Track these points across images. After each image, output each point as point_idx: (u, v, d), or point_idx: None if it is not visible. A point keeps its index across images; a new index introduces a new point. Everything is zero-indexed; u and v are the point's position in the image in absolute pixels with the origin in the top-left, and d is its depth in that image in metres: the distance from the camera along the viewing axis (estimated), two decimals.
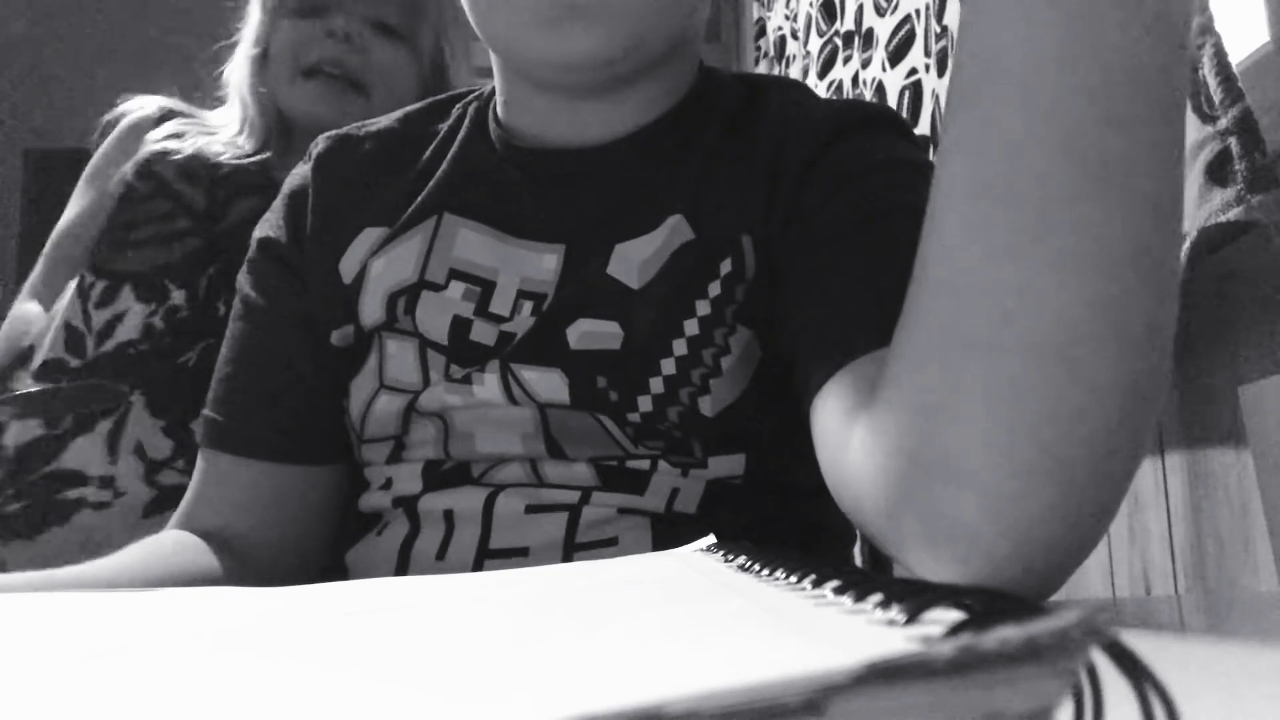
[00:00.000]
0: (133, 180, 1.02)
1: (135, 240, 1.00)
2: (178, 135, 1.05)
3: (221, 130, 1.06)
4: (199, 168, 1.02)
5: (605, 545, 0.53)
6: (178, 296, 0.97)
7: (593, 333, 0.54)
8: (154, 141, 1.05)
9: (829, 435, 0.43)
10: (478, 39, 0.58)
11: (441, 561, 0.54)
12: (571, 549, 0.53)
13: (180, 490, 0.86)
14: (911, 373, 0.34)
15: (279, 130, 1.06)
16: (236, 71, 1.06)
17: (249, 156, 1.04)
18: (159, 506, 0.89)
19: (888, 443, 0.35)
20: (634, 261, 0.55)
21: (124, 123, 1.09)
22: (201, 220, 1.00)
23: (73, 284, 1.01)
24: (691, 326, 0.54)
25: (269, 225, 0.65)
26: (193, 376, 0.94)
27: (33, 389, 0.94)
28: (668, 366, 0.53)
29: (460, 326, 0.56)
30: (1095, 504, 0.32)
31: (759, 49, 2.23)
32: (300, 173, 0.66)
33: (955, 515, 0.32)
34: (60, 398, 0.92)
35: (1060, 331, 0.30)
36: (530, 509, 0.53)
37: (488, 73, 0.65)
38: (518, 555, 0.53)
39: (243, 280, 0.65)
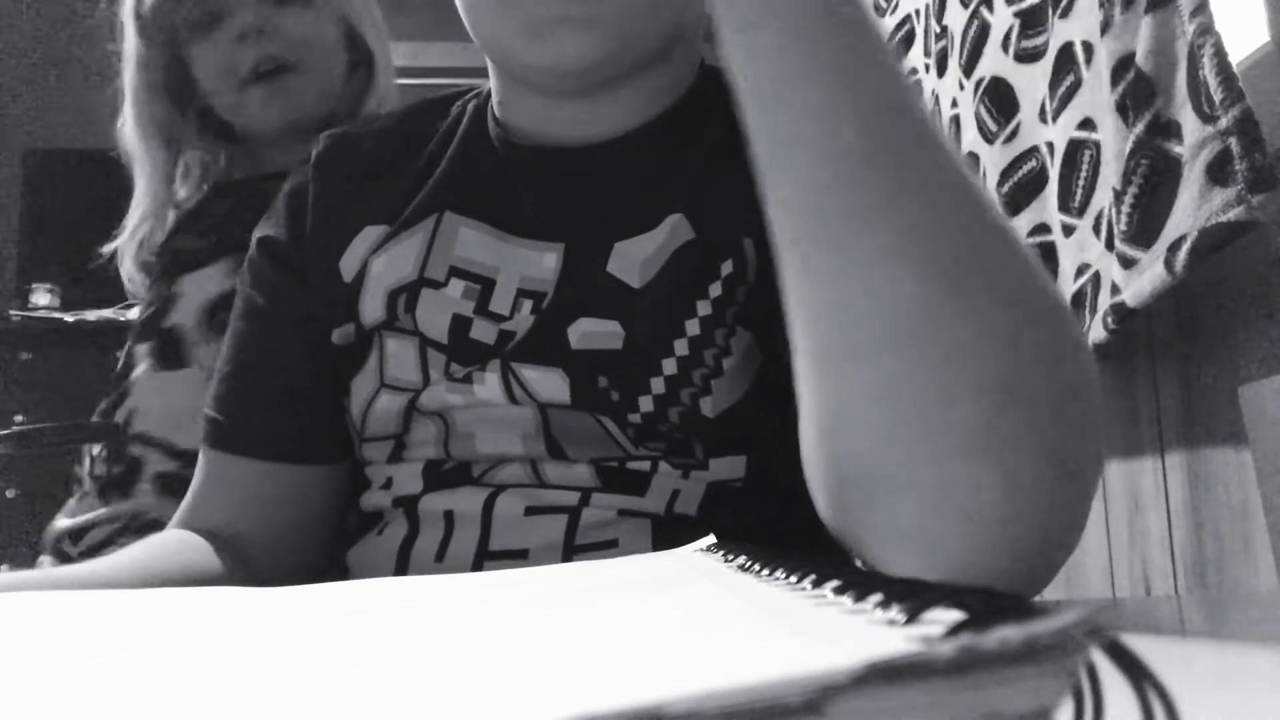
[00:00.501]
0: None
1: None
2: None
3: (139, 212, 1.08)
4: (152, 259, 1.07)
5: (605, 547, 0.53)
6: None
7: (594, 332, 0.54)
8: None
9: (804, 457, 0.44)
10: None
11: (440, 563, 0.54)
12: (571, 551, 0.53)
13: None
14: (810, 396, 0.37)
15: (227, 148, 1.07)
16: (130, 132, 1.06)
17: (175, 205, 1.08)
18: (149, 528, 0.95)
19: (821, 474, 0.37)
20: (635, 260, 0.55)
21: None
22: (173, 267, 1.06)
23: None
24: (693, 326, 0.54)
25: (269, 224, 0.65)
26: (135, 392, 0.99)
27: (26, 428, 1.03)
28: (669, 366, 0.53)
29: (460, 325, 0.56)
30: (1031, 472, 0.32)
31: None
32: (301, 173, 0.66)
33: (899, 520, 0.33)
34: (46, 435, 0.99)
35: (907, 320, 0.33)
36: (530, 510, 0.53)
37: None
38: (517, 557, 0.53)
39: (242, 280, 0.65)
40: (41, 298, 2.50)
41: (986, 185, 0.39)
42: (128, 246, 1.08)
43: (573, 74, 0.54)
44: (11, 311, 2.43)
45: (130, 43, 1.04)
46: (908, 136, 0.35)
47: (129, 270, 1.08)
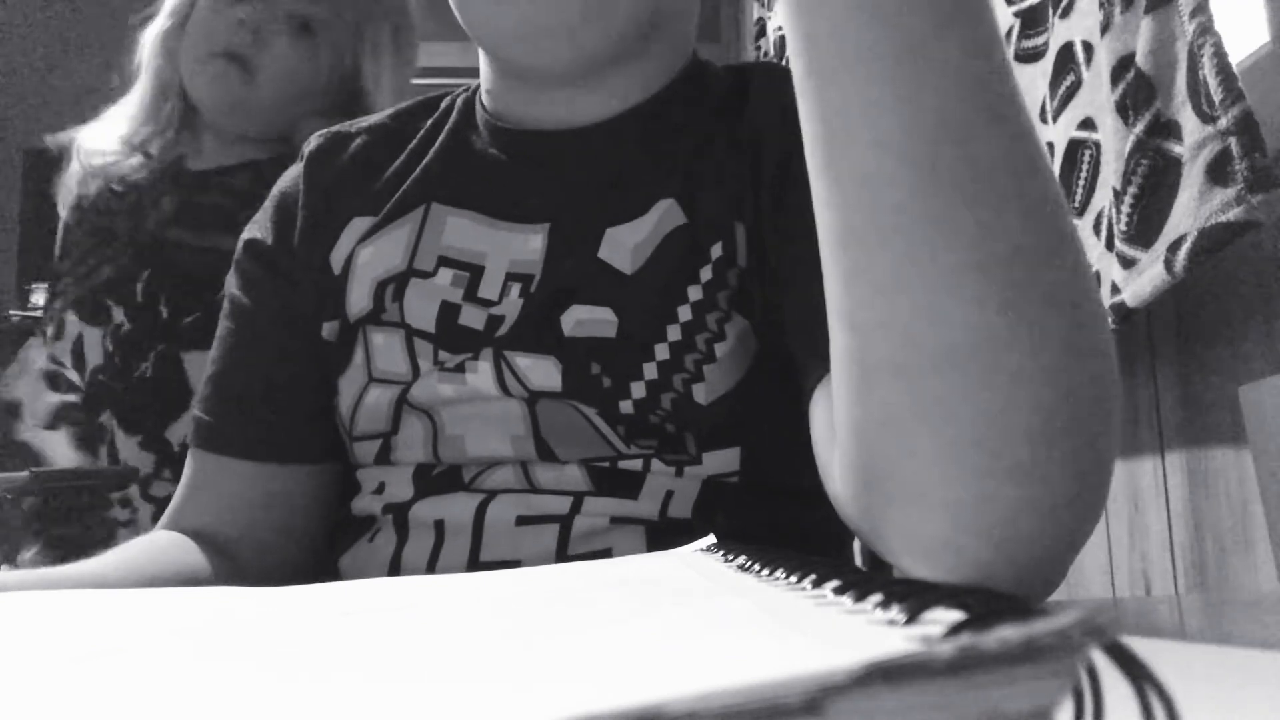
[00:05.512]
0: (67, 224, 1.07)
1: (70, 278, 1.05)
2: (86, 179, 1.07)
3: (117, 127, 1.07)
4: (112, 199, 1.05)
5: (598, 557, 0.53)
6: (119, 314, 0.99)
7: (587, 320, 0.54)
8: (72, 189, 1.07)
9: (819, 447, 0.44)
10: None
11: (431, 574, 0.54)
12: (564, 561, 0.52)
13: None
14: (847, 404, 0.35)
15: (183, 117, 1.06)
16: (148, 43, 1.07)
17: (147, 153, 1.05)
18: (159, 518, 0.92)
19: (849, 473, 0.36)
20: (625, 246, 0.55)
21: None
22: (124, 238, 1.03)
23: (33, 341, 1.05)
24: (684, 312, 0.54)
25: (256, 227, 0.65)
26: (153, 386, 0.96)
27: (51, 469, 0.98)
28: (661, 352, 0.53)
29: (448, 312, 0.56)
30: (1069, 490, 0.32)
31: (759, 49, 2.23)
32: (292, 174, 0.66)
33: (928, 533, 0.33)
34: (66, 480, 0.95)
35: (966, 340, 0.30)
36: (521, 520, 0.53)
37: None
38: (508, 568, 0.53)
39: (230, 281, 0.65)
40: (41, 298, 2.50)
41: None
42: (87, 148, 1.06)
43: (542, 35, 0.54)
44: (11, 311, 2.43)
45: None
46: (994, 125, 0.30)
47: (154, 60, 1.05)
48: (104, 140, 1.07)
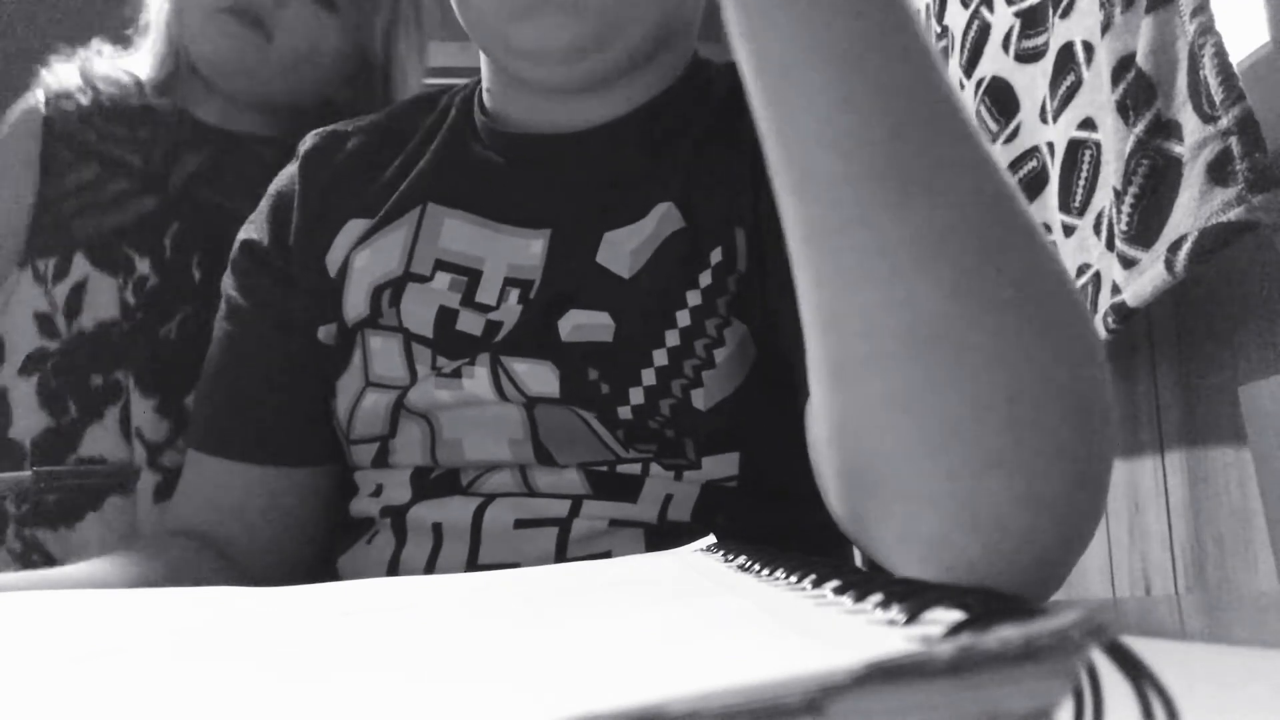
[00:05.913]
0: (45, 152, 0.96)
1: (73, 210, 0.95)
2: (71, 93, 0.98)
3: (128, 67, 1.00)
4: (108, 122, 0.97)
5: (597, 560, 0.52)
6: (143, 266, 0.91)
7: (584, 325, 0.53)
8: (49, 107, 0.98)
9: (813, 452, 0.44)
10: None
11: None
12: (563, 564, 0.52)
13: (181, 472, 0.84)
14: (827, 406, 0.35)
15: (188, 72, 0.99)
16: None
17: (149, 88, 0.97)
18: (167, 490, 0.86)
19: (837, 477, 0.36)
20: (624, 250, 0.54)
21: (15, 115, 1.00)
22: (146, 179, 0.95)
23: (23, 275, 0.94)
24: (683, 317, 0.53)
25: (253, 227, 0.65)
26: (175, 351, 0.89)
27: (41, 469, 0.91)
28: (660, 358, 0.53)
29: (446, 317, 0.55)
30: (1058, 486, 0.32)
31: None
32: (288, 173, 0.66)
33: (919, 530, 0.32)
34: (62, 480, 0.89)
35: (927, 325, 0.31)
36: (520, 524, 0.53)
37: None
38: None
39: (227, 282, 0.65)
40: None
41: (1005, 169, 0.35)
42: (93, 64, 0.99)
43: (554, 57, 0.54)
44: None
45: None
46: (937, 125, 0.31)
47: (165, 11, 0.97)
48: (113, 68, 1.00)
